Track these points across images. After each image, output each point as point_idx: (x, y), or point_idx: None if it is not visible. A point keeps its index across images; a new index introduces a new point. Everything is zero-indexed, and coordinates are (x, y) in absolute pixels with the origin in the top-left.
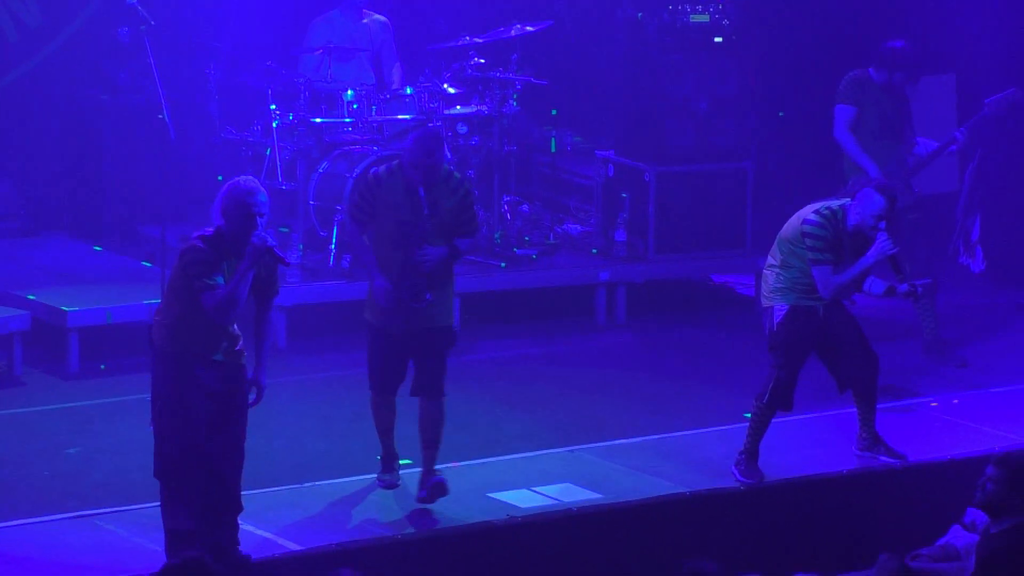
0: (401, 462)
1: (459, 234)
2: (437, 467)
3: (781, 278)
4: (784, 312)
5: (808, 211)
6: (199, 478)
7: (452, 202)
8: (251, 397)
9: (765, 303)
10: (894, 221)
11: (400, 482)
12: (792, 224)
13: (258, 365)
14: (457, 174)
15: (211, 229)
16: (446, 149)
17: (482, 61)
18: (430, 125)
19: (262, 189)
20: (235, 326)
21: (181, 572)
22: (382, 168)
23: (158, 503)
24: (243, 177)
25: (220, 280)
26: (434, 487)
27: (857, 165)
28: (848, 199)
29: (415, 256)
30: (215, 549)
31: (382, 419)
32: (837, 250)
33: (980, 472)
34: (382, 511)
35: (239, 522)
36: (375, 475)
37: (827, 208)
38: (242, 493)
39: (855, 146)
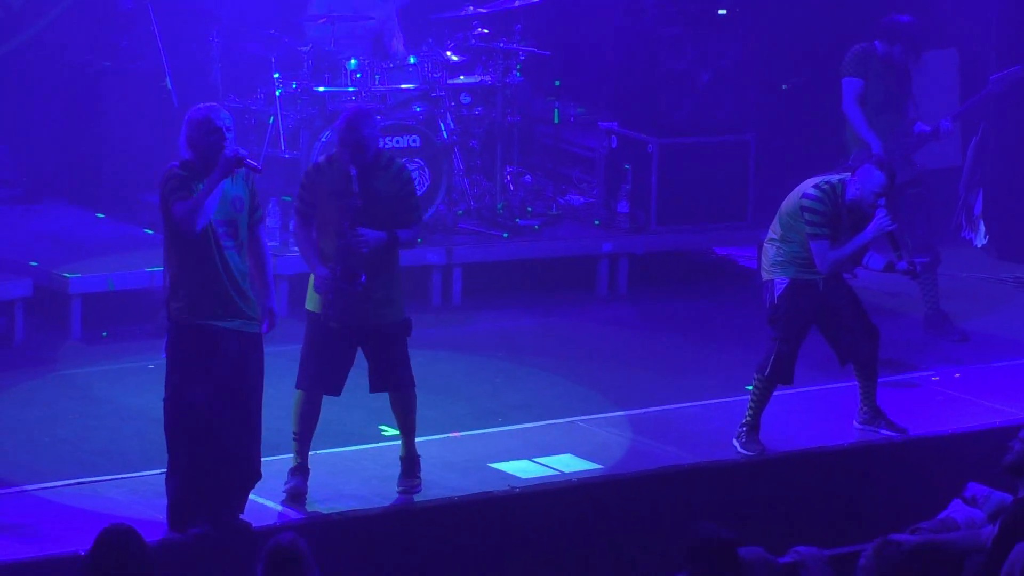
0: (387, 432)
1: (399, 224)
2: (438, 437)
3: (781, 252)
4: (784, 286)
5: (807, 185)
6: (202, 449)
7: (390, 189)
8: (264, 326)
9: (765, 276)
10: (894, 197)
11: (307, 489)
12: (791, 199)
13: (264, 292)
14: (399, 161)
15: (180, 161)
16: (450, 119)
17: (486, 31)
18: (364, 104)
19: (222, 107)
20: (249, 290)
21: (108, 547)
22: (323, 157)
23: (158, 471)
24: (198, 104)
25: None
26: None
27: (860, 138)
28: (848, 174)
29: (349, 237)
30: (215, 518)
31: (305, 422)
32: (835, 225)
33: (981, 445)
34: (383, 481)
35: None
36: (374, 444)
37: (826, 183)
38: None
39: (862, 120)
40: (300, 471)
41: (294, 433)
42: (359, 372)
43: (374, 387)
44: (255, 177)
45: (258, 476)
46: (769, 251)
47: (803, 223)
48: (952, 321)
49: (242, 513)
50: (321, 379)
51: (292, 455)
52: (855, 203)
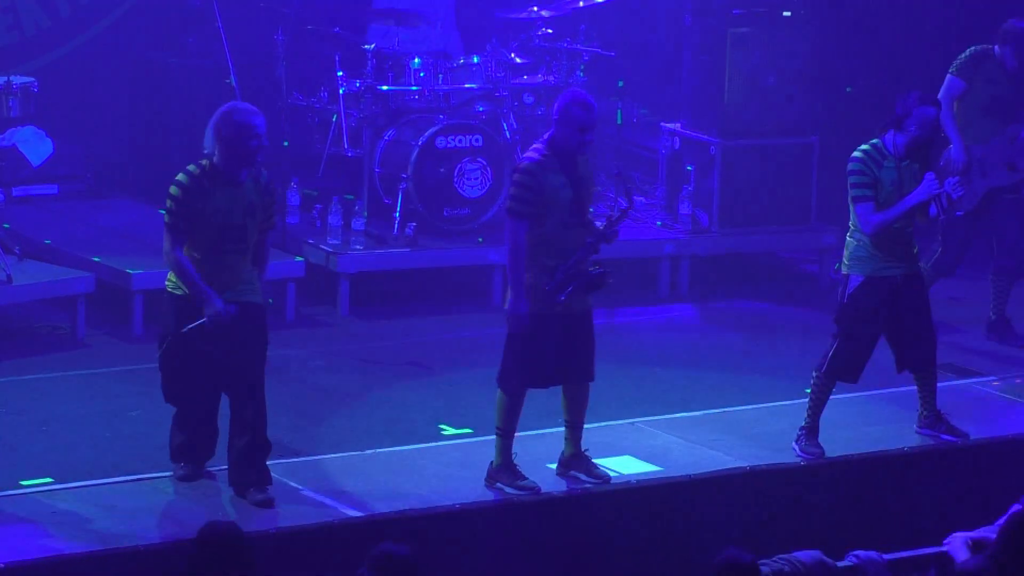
0: (461, 431)
1: None
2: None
3: (862, 244)
4: (858, 283)
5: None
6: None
7: (586, 172)
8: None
9: (844, 270)
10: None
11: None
12: None
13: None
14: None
15: (200, 164)
16: (512, 119)
17: (550, 31)
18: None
19: (260, 112)
20: (249, 266)
21: (214, 544)
22: (533, 156)
23: (220, 467)
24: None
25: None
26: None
27: (944, 135)
28: (886, 132)
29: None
30: (241, 489)
31: (515, 418)
32: (878, 187)
33: None
34: (443, 480)
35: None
36: (434, 444)
37: (868, 144)
38: (274, 434)
39: (949, 118)
40: (508, 468)
41: (498, 429)
42: (422, 371)
43: (578, 377)
44: (276, 187)
45: (268, 446)
46: (851, 244)
47: (848, 187)
48: (1014, 327)
49: (270, 484)
50: (546, 376)
51: (496, 453)
52: (914, 142)
